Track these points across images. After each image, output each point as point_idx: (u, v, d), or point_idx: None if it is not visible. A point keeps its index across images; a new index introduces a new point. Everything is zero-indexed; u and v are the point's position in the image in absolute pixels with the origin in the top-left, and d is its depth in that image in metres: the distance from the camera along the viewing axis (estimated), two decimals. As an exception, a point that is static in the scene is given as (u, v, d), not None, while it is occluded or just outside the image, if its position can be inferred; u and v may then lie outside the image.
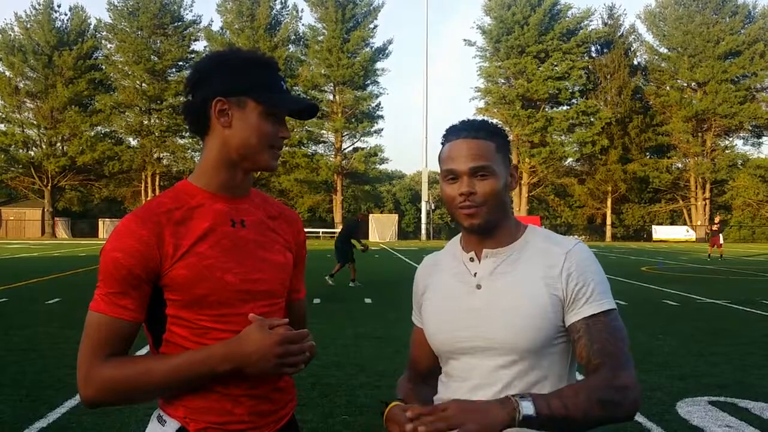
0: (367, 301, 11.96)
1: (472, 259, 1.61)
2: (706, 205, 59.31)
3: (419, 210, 61.09)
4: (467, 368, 1.57)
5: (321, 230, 53.97)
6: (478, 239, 1.60)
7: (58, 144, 56.90)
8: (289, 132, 1.59)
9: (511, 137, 59.93)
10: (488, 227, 1.56)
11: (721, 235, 28.71)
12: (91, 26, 58.96)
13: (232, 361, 1.41)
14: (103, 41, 59.14)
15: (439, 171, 1.64)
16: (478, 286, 1.57)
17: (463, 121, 1.63)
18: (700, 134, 59.65)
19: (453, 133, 1.60)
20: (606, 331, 1.49)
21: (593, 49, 62.31)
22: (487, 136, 1.57)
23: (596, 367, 1.44)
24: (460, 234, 1.69)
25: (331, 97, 60.27)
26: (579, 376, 1.53)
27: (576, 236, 57.49)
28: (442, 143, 1.63)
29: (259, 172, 1.65)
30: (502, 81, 61.55)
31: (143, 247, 1.42)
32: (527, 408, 1.29)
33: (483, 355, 1.54)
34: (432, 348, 1.68)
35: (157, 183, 56.96)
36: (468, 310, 1.56)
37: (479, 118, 1.68)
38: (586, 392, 1.37)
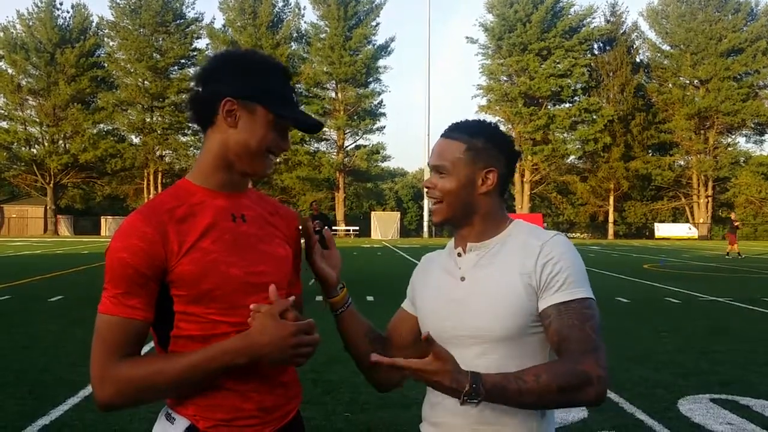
0: (369, 298, 11.96)
1: (459, 254, 1.69)
2: (708, 202, 59.25)
3: (421, 207, 61.12)
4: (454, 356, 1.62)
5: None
6: (464, 234, 1.68)
7: (61, 141, 56.96)
8: (290, 144, 1.61)
9: (512, 135, 60.13)
10: (448, 224, 1.67)
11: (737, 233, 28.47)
12: (93, 24, 59.12)
13: (248, 354, 1.42)
14: (105, 39, 59.27)
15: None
16: (462, 278, 1.65)
17: (456, 121, 1.72)
18: (702, 132, 59.56)
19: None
20: (576, 317, 1.49)
21: (595, 46, 62.26)
22: (461, 137, 1.65)
23: (563, 352, 1.46)
24: None
25: (333, 95, 60.26)
26: None
27: (576, 233, 57.58)
28: None
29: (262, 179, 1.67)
30: (505, 78, 61.47)
31: (148, 245, 1.43)
32: (472, 400, 1.36)
33: (467, 344, 1.59)
34: None
35: (159, 180, 57.03)
36: (452, 301, 1.63)
37: (474, 118, 1.75)
38: (549, 376, 1.39)
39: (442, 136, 1.69)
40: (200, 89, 1.55)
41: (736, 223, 28.96)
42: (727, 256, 27.26)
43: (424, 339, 1.34)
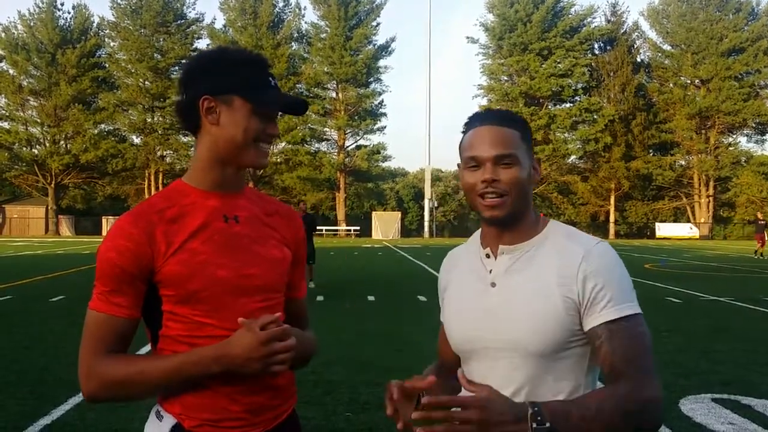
0: (370, 298, 11.95)
1: (488, 255, 1.53)
2: (709, 202, 59.22)
3: (422, 207, 61.09)
4: (484, 369, 1.51)
5: (324, 228, 53.96)
6: (496, 233, 1.52)
7: (62, 142, 57.00)
8: (277, 129, 1.60)
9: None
10: (510, 219, 1.48)
11: (766, 231, 27.70)
12: (94, 24, 59.20)
13: (221, 364, 1.42)
14: (106, 39, 59.38)
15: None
16: (493, 284, 1.50)
17: (487, 109, 1.59)
18: (703, 131, 59.55)
19: (476, 120, 1.53)
20: (628, 337, 1.38)
21: (596, 46, 62.23)
22: (511, 125, 1.49)
23: (619, 376, 1.35)
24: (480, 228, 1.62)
25: (333, 95, 60.29)
26: (598, 384, 1.48)
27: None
28: (464, 131, 1.54)
29: (261, 170, 1.67)
30: (505, 78, 61.50)
31: (134, 245, 1.44)
32: (542, 425, 1.20)
33: (498, 356, 1.48)
34: (452, 346, 1.64)
35: (160, 181, 57.07)
36: (482, 310, 1.50)
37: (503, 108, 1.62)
38: (611, 403, 1.29)
39: (492, 123, 1.49)
40: (183, 96, 1.56)
41: (762, 222, 28.46)
42: (761, 257, 26.92)
43: (461, 378, 1.21)
